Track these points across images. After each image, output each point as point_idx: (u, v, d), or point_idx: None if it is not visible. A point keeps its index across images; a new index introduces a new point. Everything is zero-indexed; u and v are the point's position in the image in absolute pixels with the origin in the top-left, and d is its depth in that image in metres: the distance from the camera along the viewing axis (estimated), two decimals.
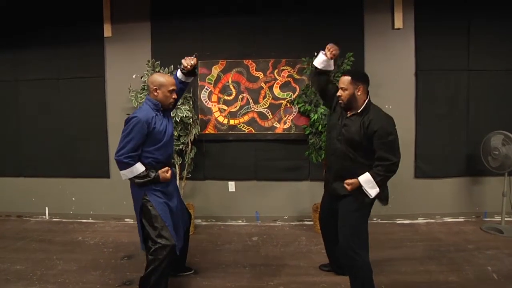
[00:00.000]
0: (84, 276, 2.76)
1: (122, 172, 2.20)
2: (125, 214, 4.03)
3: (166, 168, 2.31)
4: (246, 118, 3.88)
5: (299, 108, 3.70)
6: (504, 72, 3.78)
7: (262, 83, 3.85)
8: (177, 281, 2.64)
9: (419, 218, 3.91)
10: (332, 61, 2.44)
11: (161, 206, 2.25)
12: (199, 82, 3.87)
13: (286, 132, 3.86)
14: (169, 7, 3.90)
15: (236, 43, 3.89)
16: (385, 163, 2.12)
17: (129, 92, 3.63)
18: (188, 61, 2.38)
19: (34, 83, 4.10)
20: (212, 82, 3.88)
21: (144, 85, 3.57)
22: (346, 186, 2.24)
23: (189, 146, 3.61)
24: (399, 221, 3.89)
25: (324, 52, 2.41)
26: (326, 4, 3.80)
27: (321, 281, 2.64)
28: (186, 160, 3.64)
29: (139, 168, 2.20)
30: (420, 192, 3.89)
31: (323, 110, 3.46)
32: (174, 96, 2.33)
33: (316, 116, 3.45)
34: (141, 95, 3.52)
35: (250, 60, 3.85)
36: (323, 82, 2.53)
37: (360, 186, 2.20)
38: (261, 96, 3.86)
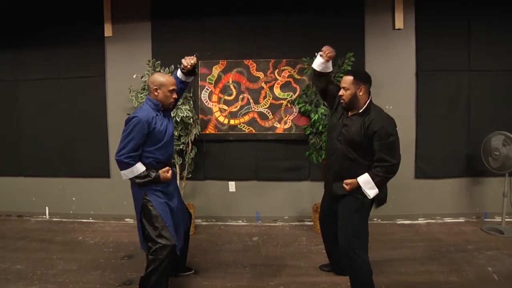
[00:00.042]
0: (84, 276, 2.76)
1: (123, 172, 2.20)
2: (126, 214, 4.03)
3: (167, 168, 2.31)
4: (246, 118, 3.88)
5: (300, 108, 3.70)
6: (504, 73, 3.77)
7: (263, 83, 3.85)
8: (177, 281, 2.63)
9: (419, 219, 3.90)
10: (329, 63, 2.44)
11: (161, 206, 2.25)
12: (199, 82, 3.87)
13: (286, 132, 3.86)
14: (170, 7, 3.90)
15: (236, 43, 3.89)
16: (384, 164, 2.12)
17: (130, 92, 3.63)
18: (188, 61, 2.38)
19: (34, 83, 4.10)
20: (213, 82, 3.88)
21: (145, 85, 3.57)
22: (345, 186, 2.25)
23: (190, 146, 3.61)
24: (400, 222, 3.89)
25: (320, 54, 2.42)
26: (326, 4, 3.80)
27: (321, 281, 2.64)
28: (187, 160, 3.63)
29: (140, 168, 2.20)
30: (421, 192, 3.89)
31: (323, 110, 3.45)
32: (175, 96, 2.34)
33: (316, 116, 3.44)
34: (142, 95, 3.52)
35: (250, 60, 3.85)
36: (323, 83, 2.54)
37: (359, 187, 2.20)
38: (262, 96, 3.86)
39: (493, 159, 3.47)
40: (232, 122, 3.89)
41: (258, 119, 3.87)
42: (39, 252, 3.23)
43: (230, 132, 3.90)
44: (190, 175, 3.79)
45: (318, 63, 2.45)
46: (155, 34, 3.94)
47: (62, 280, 2.70)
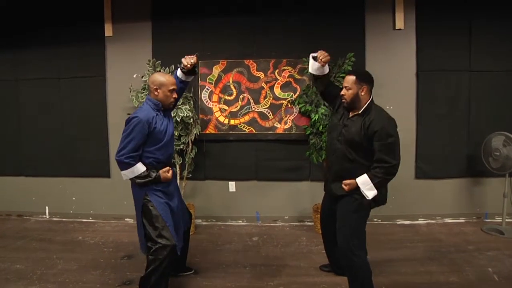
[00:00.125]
0: (84, 275, 2.76)
1: (123, 172, 2.20)
2: (126, 213, 4.03)
3: (167, 168, 2.31)
4: (246, 118, 3.88)
5: (300, 108, 3.70)
6: (505, 73, 3.77)
7: (263, 83, 3.85)
8: (178, 281, 2.63)
9: (419, 219, 3.90)
10: (326, 66, 2.44)
11: (162, 206, 2.25)
12: (200, 82, 3.87)
13: (286, 132, 3.86)
14: (170, 7, 3.90)
15: (236, 43, 3.88)
16: (383, 165, 2.11)
17: (130, 91, 3.63)
18: (188, 60, 2.37)
19: (34, 82, 4.10)
20: (213, 82, 3.88)
21: (145, 85, 3.57)
22: (344, 186, 2.24)
23: (190, 146, 3.61)
24: (400, 222, 3.88)
25: (313, 56, 2.43)
26: (326, 4, 3.80)
27: (322, 281, 2.64)
28: (187, 160, 3.63)
29: (140, 168, 2.19)
30: (421, 192, 3.89)
31: (323, 111, 3.45)
32: (175, 95, 2.33)
33: (316, 117, 3.44)
34: (142, 95, 3.52)
35: (251, 60, 3.85)
36: (323, 85, 2.54)
37: (358, 187, 2.19)
38: (262, 96, 3.85)
39: (493, 159, 3.47)
40: (232, 122, 3.89)
41: (259, 119, 3.87)
42: (39, 251, 3.23)
43: (230, 132, 3.89)
44: (190, 175, 3.79)
45: (314, 67, 2.45)
46: (155, 34, 3.94)
47: (62, 279, 2.70)
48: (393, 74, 3.79)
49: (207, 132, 3.90)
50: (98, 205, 4.15)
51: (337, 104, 2.44)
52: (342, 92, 2.30)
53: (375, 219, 3.87)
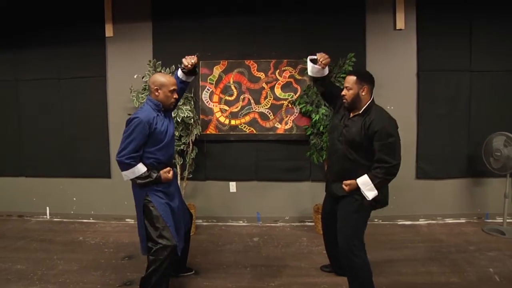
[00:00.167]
0: (84, 276, 2.76)
1: (124, 173, 2.20)
2: (126, 214, 4.03)
3: (168, 168, 2.31)
4: (247, 118, 3.88)
5: (301, 108, 3.70)
6: (505, 73, 3.77)
7: (264, 83, 3.84)
8: (178, 282, 2.63)
9: (420, 219, 3.90)
10: (326, 67, 2.44)
11: (162, 206, 2.25)
12: (200, 82, 3.87)
13: (287, 132, 3.85)
14: (170, 7, 3.89)
15: (236, 43, 3.88)
16: (384, 166, 2.11)
17: (130, 92, 3.63)
18: (188, 60, 2.37)
19: (34, 83, 4.10)
20: (214, 83, 3.88)
21: (146, 85, 3.57)
22: (344, 187, 2.24)
23: (190, 147, 3.61)
24: (400, 222, 3.88)
25: (310, 59, 2.43)
26: (327, 4, 3.80)
27: (322, 282, 2.63)
28: (187, 160, 3.63)
29: (141, 168, 2.19)
30: (421, 193, 3.88)
31: (324, 111, 3.45)
32: (175, 96, 2.33)
33: (317, 117, 3.44)
34: (142, 95, 3.52)
35: (251, 61, 3.84)
36: (323, 86, 2.54)
37: (358, 188, 2.19)
38: (263, 97, 3.85)
39: (494, 159, 3.46)
40: (233, 122, 3.88)
41: (259, 120, 3.87)
42: (40, 252, 3.23)
43: (231, 133, 3.89)
44: (191, 176, 3.79)
45: (314, 70, 2.45)
46: (155, 34, 3.94)
47: (62, 280, 2.69)
48: (394, 74, 3.79)
49: (208, 132, 3.89)
50: (98, 206, 4.15)
51: (338, 105, 2.44)
52: (343, 92, 2.30)
53: (375, 220, 3.86)
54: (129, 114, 2.38)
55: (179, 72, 2.43)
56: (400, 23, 3.77)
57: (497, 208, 3.71)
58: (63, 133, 4.09)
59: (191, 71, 2.44)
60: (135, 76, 3.68)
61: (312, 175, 3.92)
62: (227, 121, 3.89)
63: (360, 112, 2.25)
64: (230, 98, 3.88)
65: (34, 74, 4.09)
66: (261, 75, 3.84)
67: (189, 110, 3.43)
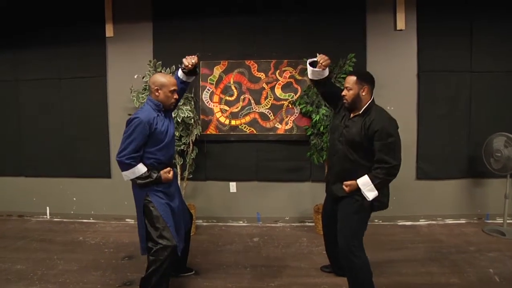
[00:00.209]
0: (84, 276, 2.76)
1: (124, 173, 2.20)
2: (126, 214, 4.03)
3: (168, 168, 2.30)
4: (247, 118, 3.88)
5: (301, 109, 3.70)
6: (506, 74, 3.76)
7: (264, 83, 3.84)
8: (178, 282, 2.63)
9: (420, 220, 3.90)
10: (326, 69, 2.43)
11: (162, 207, 2.25)
12: (200, 82, 3.87)
13: (287, 133, 3.85)
14: (170, 8, 3.89)
15: (236, 43, 3.88)
16: (384, 166, 2.11)
17: (131, 92, 3.63)
18: (189, 60, 2.37)
19: (34, 83, 4.10)
20: (214, 83, 3.88)
21: (146, 85, 3.56)
22: (344, 187, 2.24)
23: (191, 147, 3.61)
24: (401, 223, 3.88)
25: (311, 61, 2.43)
26: (327, 4, 3.79)
27: (322, 282, 2.63)
28: (188, 160, 3.63)
29: (141, 169, 2.19)
30: (422, 193, 3.88)
31: (324, 111, 3.45)
32: (176, 96, 2.33)
33: (317, 117, 3.44)
34: (143, 95, 3.52)
35: (251, 61, 3.84)
36: (324, 87, 2.54)
37: (358, 188, 2.19)
38: (263, 97, 3.85)
39: (494, 160, 3.46)
40: (233, 122, 3.88)
41: (259, 120, 3.87)
42: (40, 252, 3.23)
43: (231, 133, 3.89)
44: (191, 176, 3.79)
45: (315, 74, 2.45)
46: (156, 35, 3.94)
47: (62, 280, 2.69)
48: (394, 74, 3.79)
49: (208, 132, 3.89)
50: (98, 206, 4.15)
51: (339, 105, 2.43)
52: (343, 93, 2.31)
53: (376, 220, 3.86)
54: (129, 114, 2.38)
55: (180, 72, 2.43)
56: (401, 24, 3.76)
57: (497, 209, 3.71)
58: (63, 133, 4.09)
59: (192, 71, 2.44)
60: (135, 76, 3.68)
61: (312, 176, 3.92)
62: (227, 121, 3.89)
63: (360, 112, 2.25)
64: (230, 98, 3.88)
65: (34, 74, 4.09)
66: (262, 75, 3.84)
67: (189, 110, 3.43)
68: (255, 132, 3.87)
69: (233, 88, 3.87)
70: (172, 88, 2.29)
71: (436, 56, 3.76)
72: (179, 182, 3.35)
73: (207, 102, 3.89)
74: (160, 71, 3.53)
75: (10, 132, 4.19)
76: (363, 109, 2.25)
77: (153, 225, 2.21)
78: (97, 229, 3.86)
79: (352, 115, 2.31)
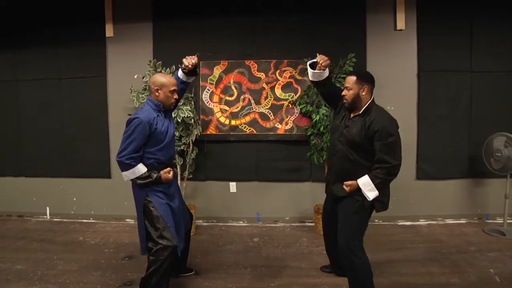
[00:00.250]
0: (84, 276, 2.76)
1: (124, 173, 2.19)
2: (126, 214, 4.03)
3: (168, 168, 2.30)
4: (247, 118, 3.87)
5: (301, 109, 3.70)
6: (506, 73, 3.76)
7: (264, 83, 3.84)
8: (178, 282, 2.63)
9: (420, 220, 3.89)
10: (326, 69, 2.43)
11: (162, 207, 2.25)
12: (200, 82, 3.87)
13: (287, 133, 3.85)
14: (170, 8, 3.89)
15: (236, 43, 3.88)
16: (384, 166, 2.11)
17: (131, 92, 3.63)
18: (189, 60, 2.37)
19: (34, 83, 4.10)
20: (214, 83, 3.88)
21: (146, 85, 3.56)
22: (345, 187, 2.24)
23: (191, 147, 3.61)
24: (401, 223, 3.88)
25: (311, 63, 2.43)
26: (327, 4, 3.79)
27: (323, 282, 2.63)
28: (188, 160, 3.63)
29: (141, 169, 2.19)
30: (422, 193, 3.88)
31: (324, 111, 3.45)
32: (176, 96, 2.33)
33: (318, 117, 3.44)
34: (143, 95, 3.52)
35: (251, 61, 3.84)
36: (324, 87, 2.54)
37: (359, 188, 2.18)
38: (263, 97, 3.85)
39: (495, 160, 3.46)
40: (233, 122, 3.88)
41: (259, 120, 3.87)
42: (40, 252, 3.23)
43: (231, 133, 3.89)
44: (191, 176, 3.79)
45: (315, 75, 2.45)
46: (156, 35, 3.94)
47: (62, 280, 2.69)
48: (394, 74, 3.79)
49: (208, 132, 3.89)
50: (98, 206, 4.15)
51: (339, 106, 2.43)
52: (343, 93, 2.31)
53: (376, 220, 3.86)
54: (129, 114, 2.38)
55: (180, 73, 2.43)
56: (401, 24, 3.76)
57: (497, 209, 3.71)
58: (63, 133, 4.09)
59: (192, 72, 2.44)
60: (135, 76, 3.68)
61: (312, 176, 3.92)
62: (227, 121, 3.89)
63: (360, 112, 2.25)
64: (230, 98, 3.88)
65: (34, 74, 4.09)
66: (262, 75, 3.84)
67: (189, 110, 3.43)
68: (255, 132, 3.87)
69: (233, 88, 3.87)
70: (172, 88, 2.29)
71: (436, 56, 3.76)
72: (179, 182, 3.35)
73: (207, 102, 3.89)
74: (160, 71, 3.53)
75: (10, 132, 4.19)
76: (363, 109, 2.25)
77: (153, 225, 2.21)
78: (97, 229, 3.86)
79: (352, 115, 2.31)
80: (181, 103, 3.42)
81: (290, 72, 3.81)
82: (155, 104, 2.27)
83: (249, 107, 3.87)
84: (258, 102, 3.86)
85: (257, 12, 3.84)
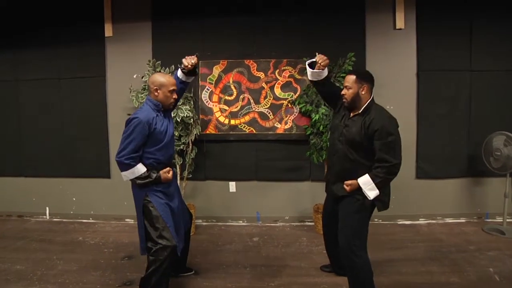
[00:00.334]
0: (84, 276, 2.76)
1: (124, 173, 2.19)
2: (126, 214, 4.03)
3: (168, 168, 2.30)
4: (247, 118, 3.87)
5: (300, 108, 3.70)
6: (505, 73, 3.77)
7: (263, 83, 3.84)
8: (178, 282, 2.63)
9: (420, 219, 3.90)
10: (325, 69, 2.43)
11: (162, 207, 2.25)
12: (200, 82, 3.86)
13: (287, 132, 3.85)
14: (170, 7, 3.89)
15: (236, 43, 3.88)
16: (384, 165, 2.11)
17: (130, 92, 3.63)
18: (188, 60, 2.37)
19: (34, 83, 4.10)
20: (213, 82, 3.88)
21: (145, 85, 3.56)
22: (345, 187, 2.24)
23: (190, 146, 3.60)
24: (400, 222, 3.88)
25: (310, 62, 2.43)
26: (326, 4, 3.79)
27: (322, 282, 2.63)
28: (187, 160, 3.63)
29: (141, 169, 2.19)
30: (422, 192, 3.88)
31: (324, 111, 3.45)
32: (175, 96, 2.33)
33: (317, 117, 3.44)
34: (142, 95, 3.52)
35: (251, 60, 3.84)
36: (324, 87, 2.54)
37: (359, 188, 2.18)
38: (262, 96, 3.85)
39: (494, 159, 3.46)
40: (232, 122, 3.88)
41: (259, 119, 3.87)
42: (39, 252, 3.23)
43: (231, 132, 3.89)
44: (191, 176, 3.79)
45: (314, 75, 2.45)
46: (155, 34, 3.94)
47: (62, 280, 2.69)
48: (394, 74, 3.79)
49: (208, 132, 3.89)
50: (98, 206, 4.15)
51: (339, 105, 2.43)
52: (342, 92, 2.31)
53: (375, 219, 3.86)
54: (129, 114, 2.38)
55: (179, 72, 2.43)
56: (400, 23, 3.76)
57: (497, 208, 3.70)
58: (63, 133, 4.09)
59: (191, 72, 2.43)
60: (134, 76, 3.68)
61: (312, 175, 3.92)
62: (226, 121, 3.88)
63: (360, 111, 2.25)
64: (229, 98, 3.88)
65: (34, 74, 4.09)
66: (261, 74, 3.84)
67: (189, 110, 3.43)
68: (254, 131, 3.87)
69: (232, 87, 3.87)
70: (171, 88, 2.28)
71: (436, 55, 3.76)
72: (178, 182, 3.35)
73: (207, 102, 3.89)
74: (159, 71, 3.53)
75: (10, 132, 4.19)
76: (362, 108, 2.25)
77: (153, 225, 2.21)
78: (97, 229, 3.86)
79: (352, 114, 2.31)
80: (180, 103, 3.42)
81: (290, 72, 3.81)
82: (154, 104, 2.27)
83: (248, 106, 3.87)
84: (257, 102, 3.86)
85: (257, 12, 3.84)
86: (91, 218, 4.15)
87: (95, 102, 4.04)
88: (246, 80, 3.85)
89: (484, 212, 3.90)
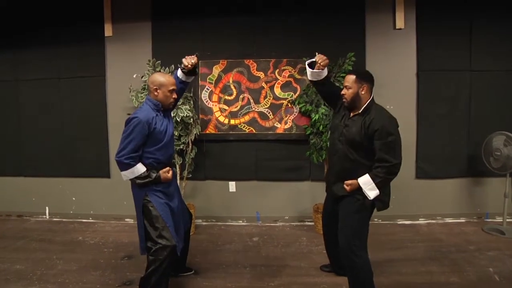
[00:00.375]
0: (84, 276, 2.76)
1: (123, 173, 2.19)
2: (126, 214, 4.03)
3: (167, 168, 2.30)
4: (247, 118, 3.87)
5: (300, 108, 3.70)
6: (505, 73, 3.76)
7: (263, 83, 3.84)
8: (178, 282, 2.63)
9: (420, 219, 3.90)
10: (325, 69, 2.43)
11: (162, 206, 2.25)
12: (200, 81, 3.86)
13: (287, 132, 3.85)
14: (170, 7, 3.89)
15: (236, 43, 3.88)
16: (384, 165, 2.11)
17: (130, 91, 3.63)
18: (188, 60, 2.37)
19: (34, 83, 4.10)
20: (213, 82, 3.88)
21: (145, 85, 3.56)
22: (346, 187, 2.24)
23: (190, 146, 3.60)
24: (400, 222, 3.88)
25: (309, 62, 2.43)
26: (326, 4, 3.79)
27: (322, 281, 2.63)
28: (187, 160, 3.63)
29: (140, 168, 2.19)
30: (421, 192, 3.88)
31: (324, 110, 3.45)
32: (174, 96, 2.33)
33: (317, 116, 3.44)
34: (142, 95, 3.52)
35: (251, 60, 3.84)
36: (324, 87, 2.54)
37: (359, 188, 2.18)
38: (262, 96, 3.85)
39: (494, 159, 3.46)
40: (232, 122, 3.88)
41: (259, 119, 3.87)
42: (39, 252, 3.23)
43: (231, 132, 3.89)
44: (190, 175, 3.79)
45: (314, 75, 2.45)
46: (155, 34, 3.94)
47: (62, 280, 2.69)
48: (394, 74, 3.79)
49: (207, 132, 3.89)
50: (98, 206, 4.15)
51: (339, 105, 2.43)
52: (342, 92, 2.31)
53: (375, 219, 3.86)
54: (129, 114, 2.38)
55: (179, 72, 2.43)
56: (400, 23, 3.76)
57: (497, 208, 3.70)
58: (63, 133, 4.09)
59: (191, 71, 2.44)
60: (134, 76, 3.68)
61: (311, 175, 3.92)
62: (226, 121, 3.88)
63: (360, 111, 2.25)
64: (229, 98, 3.88)
65: (34, 74, 4.09)
66: (261, 74, 3.84)
67: (189, 110, 3.43)
68: (254, 131, 3.87)
69: (232, 87, 3.87)
70: (171, 88, 2.28)
71: (436, 55, 3.76)
72: (178, 181, 3.34)
73: (206, 102, 3.89)
74: (159, 71, 3.52)
75: (10, 132, 4.19)
76: (362, 108, 2.25)
77: (153, 225, 2.21)
78: (97, 229, 3.86)
79: (351, 114, 2.31)
80: (180, 103, 3.41)
81: (290, 71, 3.81)
82: (154, 104, 2.27)
83: (248, 106, 3.87)
84: (257, 102, 3.86)
85: (257, 12, 3.84)
86: (91, 218, 4.15)
87: (95, 102, 4.04)
88: (246, 80, 3.85)
89: (484, 212, 3.89)
